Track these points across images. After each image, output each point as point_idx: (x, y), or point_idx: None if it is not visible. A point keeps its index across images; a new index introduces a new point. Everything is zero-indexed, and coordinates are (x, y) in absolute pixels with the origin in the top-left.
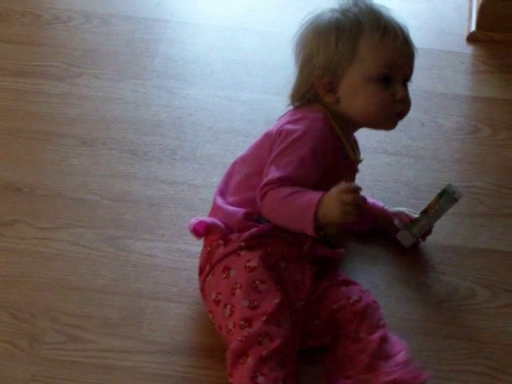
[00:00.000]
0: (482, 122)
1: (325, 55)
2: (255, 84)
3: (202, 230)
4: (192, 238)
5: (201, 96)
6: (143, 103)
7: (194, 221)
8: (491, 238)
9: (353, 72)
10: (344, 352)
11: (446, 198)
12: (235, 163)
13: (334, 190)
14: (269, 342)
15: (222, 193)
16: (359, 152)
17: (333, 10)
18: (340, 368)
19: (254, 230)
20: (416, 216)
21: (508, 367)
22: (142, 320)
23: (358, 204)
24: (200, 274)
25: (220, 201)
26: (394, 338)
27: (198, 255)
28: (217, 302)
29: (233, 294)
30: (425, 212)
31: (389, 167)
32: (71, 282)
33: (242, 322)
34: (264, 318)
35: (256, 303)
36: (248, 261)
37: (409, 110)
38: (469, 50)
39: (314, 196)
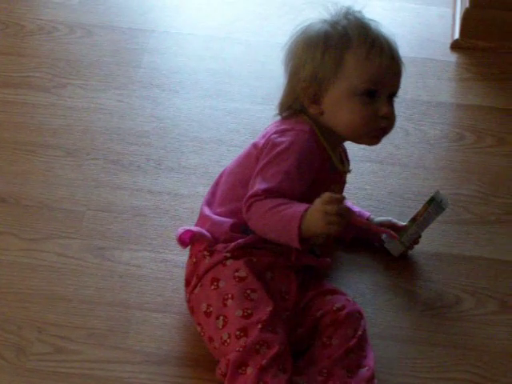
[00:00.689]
0: (467, 130)
1: (311, 67)
2: (240, 93)
3: (187, 239)
4: (178, 248)
5: (185, 106)
6: (128, 113)
7: (180, 230)
8: (477, 246)
9: (338, 85)
10: (312, 354)
11: (435, 205)
12: (222, 174)
13: (318, 201)
14: (267, 350)
15: (209, 203)
16: (348, 163)
17: (323, 22)
18: (304, 367)
19: (240, 240)
20: (404, 224)
21: (495, 374)
22: (129, 330)
23: (342, 214)
24: (186, 285)
25: (207, 210)
26: (369, 352)
27: (184, 265)
28: (208, 314)
29: (224, 305)
30: (413, 220)
31: (373, 175)
32: (57, 293)
33: (237, 332)
34: (259, 326)
35: (250, 311)
36: (236, 270)
37: (393, 126)
38: (453, 57)
39: (298, 208)
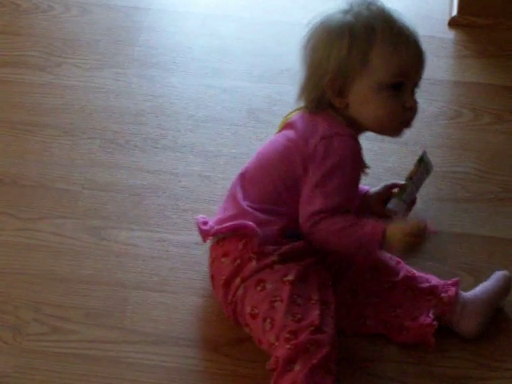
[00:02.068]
0: (465, 107)
1: (336, 60)
2: (236, 71)
3: (230, 231)
4: (175, 227)
5: (182, 84)
6: (124, 92)
7: (215, 222)
8: (474, 224)
9: (364, 78)
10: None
11: (424, 165)
12: (250, 166)
13: (400, 232)
14: (317, 350)
15: (244, 196)
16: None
17: (344, 12)
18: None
19: (291, 245)
20: (402, 182)
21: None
22: (125, 310)
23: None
24: (225, 286)
25: (246, 204)
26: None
27: (180, 244)
28: (254, 316)
29: (272, 307)
30: (409, 178)
31: (372, 153)
32: (54, 273)
33: (287, 335)
34: (312, 329)
35: (299, 316)
36: (284, 275)
37: (415, 117)
38: (450, 34)
39: (375, 230)
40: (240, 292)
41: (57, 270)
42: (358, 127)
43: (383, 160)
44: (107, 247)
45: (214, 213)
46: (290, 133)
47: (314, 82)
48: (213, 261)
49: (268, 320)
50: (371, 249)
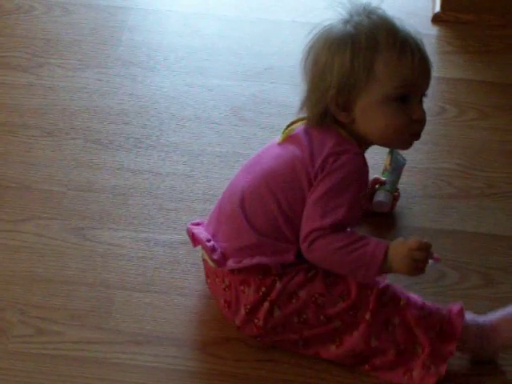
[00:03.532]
0: (449, 103)
1: (339, 73)
2: (220, 70)
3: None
4: (159, 226)
5: (165, 83)
6: (107, 92)
7: (225, 248)
8: (459, 220)
9: (369, 92)
10: None
11: (395, 155)
12: (243, 174)
13: (403, 247)
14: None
15: (246, 216)
16: None
17: (344, 23)
18: None
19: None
20: (382, 178)
21: None
22: (110, 311)
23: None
24: (251, 313)
25: (257, 233)
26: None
27: (164, 243)
28: (304, 321)
29: (318, 306)
30: (384, 170)
31: None
32: (38, 274)
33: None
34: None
35: (345, 294)
36: (306, 275)
37: (423, 127)
38: (434, 31)
39: (376, 249)
40: (277, 314)
41: (41, 272)
42: (364, 142)
43: (368, 157)
44: (91, 248)
45: (196, 212)
46: (295, 150)
47: (316, 97)
48: (228, 287)
49: (321, 316)
50: (372, 269)
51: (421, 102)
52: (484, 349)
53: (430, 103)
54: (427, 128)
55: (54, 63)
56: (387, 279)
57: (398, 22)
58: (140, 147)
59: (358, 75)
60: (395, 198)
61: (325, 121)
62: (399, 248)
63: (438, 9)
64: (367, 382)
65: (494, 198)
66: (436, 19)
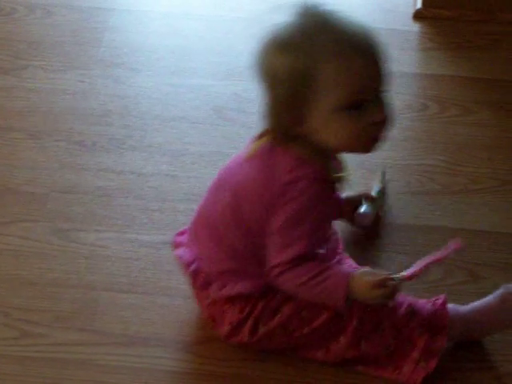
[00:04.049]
0: (431, 99)
1: (287, 86)
2: (201, 70)
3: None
4: (143, 227)
5: (147, 84)
6: (90, 93)
7: (220, 291)
8: (442, 216)
9: (321, 102)
10: None
11: (385, 182)
12: (217, 215)
13: (366, 284)
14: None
15: (221, 243)
16: (346, 169)
17: (288, 27)
18: None
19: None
20: (374, 195)
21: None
22: (95, 312)
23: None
24: (235, 329)
25: (235, 260)
26: None
27: (149, 244)
28: (291, 333)
29: (303, 319)
30: (380, 191)
31: None
32: (23, 277)
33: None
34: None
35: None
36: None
37: (389, 124)
38: (415, 27)
39: (338, 284)
40: (262, 329)
41: (25, 274)
42: (327, 151)
43: (350, 155)
44: (76, 249)
45: (180, 212)
46: (258, 172)
47: (271, 110)
48: (212, 304)
49: (306, 328)
50: (338, 300)
51: (381, 101)
52: (469, 335)
53: (411, 100)
54: (410, 124)
55: (36, 65)
56: None
57: (343, 21)
58: (123, 148)
59: (305, 87)
60: (378, 216)
61: (283, 136)
62: (362, 283)
63: (419, 5)
64: (356, 378)
65: (477, 193)
66: (417, 15)
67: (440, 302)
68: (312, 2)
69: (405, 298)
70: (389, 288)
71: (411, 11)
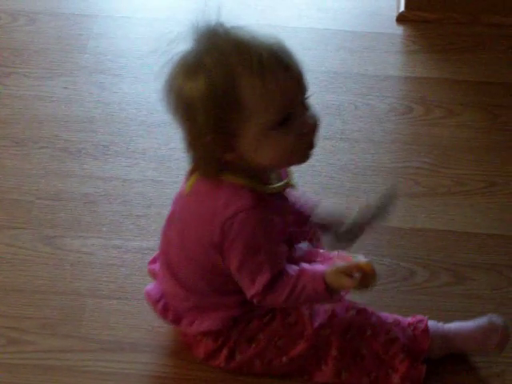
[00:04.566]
0: (415, 102)
1: (207, 116)
2: None
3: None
4: (129, 233)
5: (132, 90)
6: (74, 100)
7: (191, 327)
8: (428, 218)
9: (246, 125)
10: None
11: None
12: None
13: (337, 276)
14: None
15: (181, 283)
16: (289, 177)
17: (194, 53)
18: None
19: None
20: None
21: None
22: (82, 318)
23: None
24: (209, 358)
25: (205, 296)
26: None
27: (135, 250)
28: (268, 363)
29: (278, 348)
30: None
31: (323, 151)
32: (9, 284)
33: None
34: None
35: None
36: (263, 319)
37: (317, 130)
38: (399, 30)
39: (316, 286)
40: (238, 357)
41: (12, 281)
42: (262, 171)
43: (334, 158)
44: (62, 256)
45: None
46: (198, 208)
47: (196, 144)
48: (185, 334)
49: (284, 358)
50: (324, 299)
51: (306, 107)
52: (448, 352)
53: (396, 103)
54: (394, 127)
55: (20, 72)
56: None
57: (249, 38)
58: (108, 154)
59: (226, 112)
60: (361, 229)
61: (213, 168)
62: (335, 278)
63: (402, 8)
64: None
65: (462, 195)
66: (401, 18)
67: (421, 328)
68: (212, 23)
69: (387, 317)
70: (359, 273)
71: (395, 14)
